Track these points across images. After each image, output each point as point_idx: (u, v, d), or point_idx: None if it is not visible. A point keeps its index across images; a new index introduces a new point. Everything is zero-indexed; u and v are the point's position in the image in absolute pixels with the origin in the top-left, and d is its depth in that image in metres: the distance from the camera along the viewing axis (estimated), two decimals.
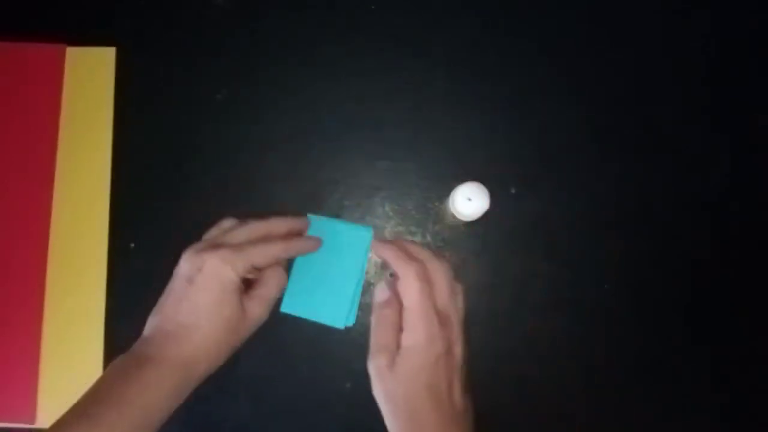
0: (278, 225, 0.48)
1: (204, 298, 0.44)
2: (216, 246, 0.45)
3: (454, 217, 0.51)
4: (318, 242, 0.49)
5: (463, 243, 0.54)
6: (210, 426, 0.51)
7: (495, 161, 0.55)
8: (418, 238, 0.55)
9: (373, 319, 0.47)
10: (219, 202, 0.54)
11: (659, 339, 0.54)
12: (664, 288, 0.54)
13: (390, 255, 0.46)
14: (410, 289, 0.44)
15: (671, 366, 0.54)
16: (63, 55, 0.55)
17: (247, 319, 0.45)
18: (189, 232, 0.53)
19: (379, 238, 0.49)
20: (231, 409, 0.51)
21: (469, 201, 0.49)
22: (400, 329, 0.45)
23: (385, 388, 0.44)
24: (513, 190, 0.55)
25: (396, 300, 0.46)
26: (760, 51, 0.58)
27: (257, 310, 0.46)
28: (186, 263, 0.45)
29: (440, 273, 0.46)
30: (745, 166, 0.56)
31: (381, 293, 0.48)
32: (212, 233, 0.48)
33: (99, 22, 0.56)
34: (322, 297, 0.50)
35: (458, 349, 0.45)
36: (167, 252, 0.53)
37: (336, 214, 0.54)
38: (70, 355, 0.52)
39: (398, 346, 0.44)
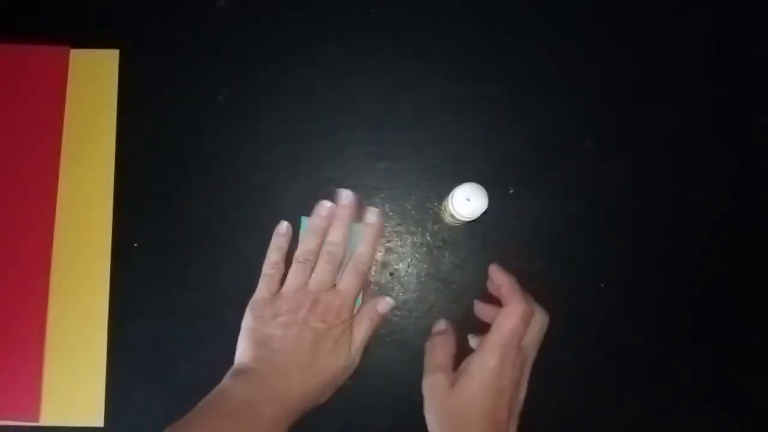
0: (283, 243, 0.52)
1: (321, 354, 0.47)
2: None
3: (453, 217, 0.51)
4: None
5: (462, 243, 0.55)
6: None
7: (494, 162, 0.55)
8: (417, 238, 0.55)
9: (429, 343, 0.49)
10: (220, 202, 0.54)
11: (658, 339, 0.54)
12: (663, 288, 0.54)
13: (507, 283, 0.47)
14: (508, 321, 0.45)
15: (670, 366, 0.54)
16: (67, 57, 0.56)
17: (345, 370, 0.48)
18: (191, 232, 0.54)
19: (497, 267, 0.50)
20: None
21: (468, 201, 0.49)
22: (454, 356, 0.47)
23: (442, 405, 0.45)
24: (512, 191, 0.55)
25: (452, 333, 0.49)
26: (760, 51, 0.58)
27: (355, 360, 0.49)
28: (296, 302, 0.48)
29: (539, 322, 0.47)
30: (745, 166, 0.56)
31: (439, 324, 0.51)
32: (301, 253, 0.50)
33: (100, 23, 0.57)
34: None
35: (522, 395, 0.46)
36: (170, 251, 0.54)
37: None
38: (74, 354, 0.52)
39: (460, 370, 0.46)
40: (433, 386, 0.45)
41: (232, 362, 0.49)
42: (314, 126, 0.56)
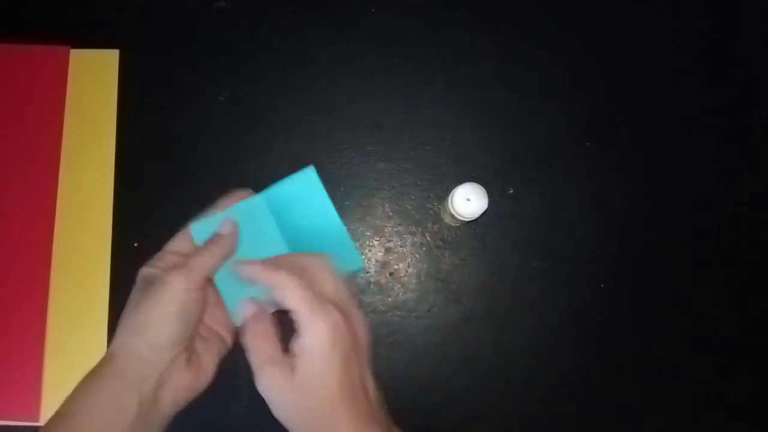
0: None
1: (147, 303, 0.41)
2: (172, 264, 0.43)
3: (453, 217, 0.51)
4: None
5: (461, 243, 0.55)
6: (210, 426, 0.51)
7: (494, 162, 0.55)
8: (417, 238, 0.55)
9: (247, 338, 0.41)
10: None
11: (657, 339, 0.54)
12: (663, 288, 0.54)
13: (253, 270, 0.41)
14: (290, 290, 0.39)
15: (670, 365, 0.54)
16: (67, 57, 0.56)
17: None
18: None
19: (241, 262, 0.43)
20: (231, 409, 0.51)
21: (467, 201, 0.49)
22: (279, 341, 0.41)
23: (290, 401, 0.39)
24: (511, 191, 0.55)
25: (265, 312, 0.42)
26: (760, 51, 0.58)
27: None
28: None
29: (314, 263, 0.42)
30: (745, 166, 0.56)
31: (245, 309, 0.42)
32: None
33: (100, 23, 0.57)
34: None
35: (363, 334, 0.41)
36: None
37: None
38: (74, 353, 0.52)
39: (291, 354, 0.40)
40: (271, 384, 0.39)
41: (229, 359, 0.49)
42: (314, 126, 0.56)
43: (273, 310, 0.44)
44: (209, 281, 0.43)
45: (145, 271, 0.43)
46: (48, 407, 0.51)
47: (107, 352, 0.41)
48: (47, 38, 0.56)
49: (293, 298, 0.39)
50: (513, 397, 0.53)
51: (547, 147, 0.56)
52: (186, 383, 0.42)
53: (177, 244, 0.45)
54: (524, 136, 0.56)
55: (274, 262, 0.42)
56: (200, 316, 0.42)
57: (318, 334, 0.39)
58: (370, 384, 0.41)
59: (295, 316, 0.39)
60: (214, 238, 0.44)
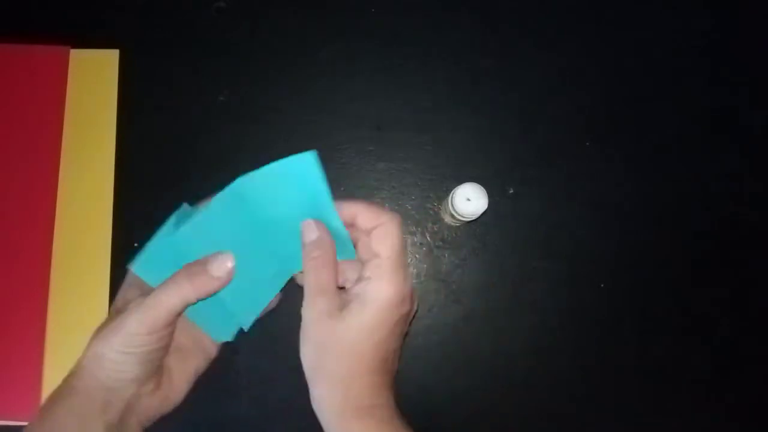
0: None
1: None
2: None
3: (453, 217, 0.51)
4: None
5: (461, 243, 0.55)
6: (210, 426, 0.51)
7: (494, 162, 0.55)
8: (417, 238, 0.55)
9: (307, 262, 0.39)
10: None
11: (657, 339, 0.54)
12: (663, 288, 0.54)
13: (362, 207, 0.40)
14: (394, 238, 0.38)
15: (670, 365, 0.54)
16: (67, 57, 0.56)
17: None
18: None
19: (341, 201, 0.41)
20: (231, 409, 0.52)
21: (467, 201, 0.49)
22: (336, 272, 0.40)
23: (326, 334, 0.38)
24: (511, 191, 0.55)
25: (328, 240, 0.40)
26: (759, 50, 0.58)
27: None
28: None
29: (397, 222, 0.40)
30: (745, 166, 0.56)
31: (310, 232, 0.40)
32: None
33: (100, 23, 0.57)
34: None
35: (411, 316, 0.41)
36: None
37: None
38: (74, 353, 0.51)
39: (349, 293, 0.39)
40: (316, 312, 0.38)
41: (230, 360, 0.49)
42: (314, 126, 0.56)
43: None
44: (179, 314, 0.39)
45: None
46: None
47: (79, 363, 0.39)
48: (47, 38, 0.56)
49: (393, 243, 0.38)
50: (513, 397, 0.53)
51: (547, 147, 0.56)
52: (154, 407, 0.40)
53: None
54: (524, 136, 0.56)
55: (375, 206, 0.40)
56: (166, 350, 0.40)
57: (388, 289, 0.38)
58: (396, 360, 0.41)
59: (375, 262, 0.38)
60: (193, 272, 0.38)
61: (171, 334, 0.40)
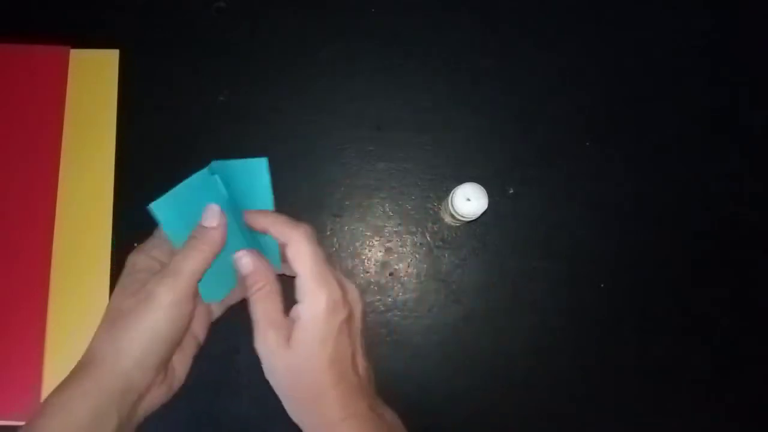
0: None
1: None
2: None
3: (453, 217, 0.51)
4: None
5: (461, 243, 0.55)
6: (210, 425, 0.51)
7: (493, 162, 0.55)
8: (417, 238, 0.55)
9: (252, 294, 0.40)
10: None
11: (657, 339, 0.54)
12: (663, 288, 0.54)
13: (270, 222, 0.41)
14: (304, 254, 0.39)
15: (669, 365, 0.54)
16: (67, 57, 0.56)
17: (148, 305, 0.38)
18: None
19: (251, 211, 0.42)
20: (231, 408, 0.51)
21: (467, 201, 0.49)
22: (281, 300, 0.40)
23: (283, 366, 0.39)
24: (511, 191, 0.55)
25: (266, 269, 0.41)
26: (759, 50, 0.58)
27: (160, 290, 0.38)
28: None
29: (311, 233, 0.41)
30: (745, 166, 0.56)
31: (246, 265, 0.41)
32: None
33: (100, 23, 0.57)
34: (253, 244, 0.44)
35: (358, 312, 0.41)
36: None
37: (335, 213, 0.54)
38: (74, 352, 0.51)
39: (291, 318, 0.39)
40: (265, 346, 0.39)
41: (230, 359, 0.49)
42: (314, 126, 0.56)
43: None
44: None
45: (137, 260, 0.40)
46: None
47: (91, 352, 0.39)
48: (47, 38, 0.56)
49: (305, 260, 0.39)
50: (513, 397, 0.53)
51: (547, 147, 0.56)
52: (160, 397, 0.41)
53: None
54: (524, 136, 0.56)
55: (286, 220, 0.41)
56: (188, 328, 0.41)
57: (317, 304, 0.38)
58: (360, 360, 0.41)
59: (299, 281, 0.39)
60: (200, 233, 0.40)
61: (193, 310, 0.40)
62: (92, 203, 0.54)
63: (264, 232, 0.41)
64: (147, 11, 0.57)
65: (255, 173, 0.43)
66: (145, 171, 0.55)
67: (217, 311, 0.46)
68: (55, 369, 0.52)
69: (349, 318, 0.40)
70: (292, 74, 0.56)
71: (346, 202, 0.55)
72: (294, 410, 0.40)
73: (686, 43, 0.58)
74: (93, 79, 0.56)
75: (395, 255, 0.55)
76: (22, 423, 0.51)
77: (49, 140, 0.55)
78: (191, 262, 0.39)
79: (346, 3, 0.57)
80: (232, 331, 0.51)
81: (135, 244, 0.53)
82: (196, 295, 0.40)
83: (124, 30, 0.56)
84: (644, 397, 0.53)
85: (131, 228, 0.54)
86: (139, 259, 0.41)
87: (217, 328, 0.52)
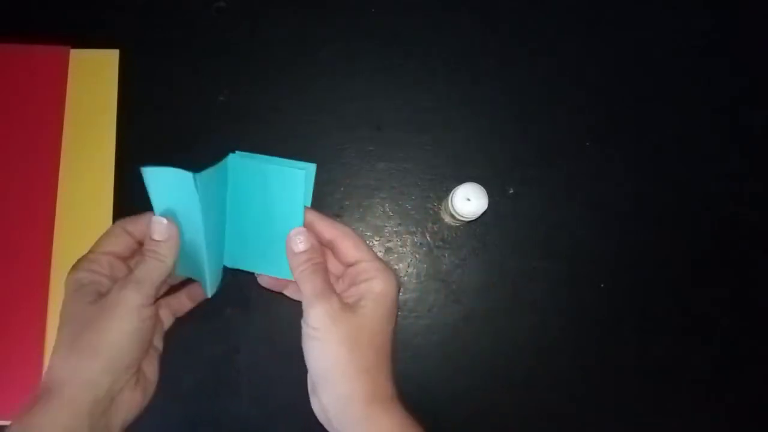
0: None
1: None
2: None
3: (453, 217, 0.51)
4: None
5: (461, 243, 0.55)
6: (210, 425, 0.51)
7: (493, 162, 0.55)
8: (417, 238, 0.55)
9: (301, 268, 0.41)
10: None
11: (657, 339, 0.54)
12: (663, 288, 0.54)
13: (316, 217, 0.42)
14: (360, 243, 0.41)
15: (669, 365, 0.54)
16: (67, 57, 0.56)
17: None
18: None
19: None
20: (231, 408, 0.51)
21: (467, 201, 0.49)
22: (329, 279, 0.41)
23: (345, 331, 0.38)
24: (511, 191, 0.55)
25: (316, 241, 0.42)
26: (759, 50, 0.58)
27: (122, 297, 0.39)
28: None
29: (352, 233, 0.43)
30: (745, 166, 0.56)
31: (300, 242, 0.41)
32: None
33: (101, 24, 0.57)
34: (264, 248, 0.44)
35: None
36: None
37: (335, 213, 0.54)
38: None
39: (353, 295, 0.40)
40: (332, 311, 0.39)
41: (232, 361, 0.49)
42: (314, 126, 0.56)
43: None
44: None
45: (80, 276, 0.40)
46: None
47: (50, 378, 0.38)
48: (47, 38, 0.56)
49: (364, 248, 0.41)
50: (513, 397, 0.53)
51: (547, 147, 0.56)
52: (136, 402, 0.41)
53: (110, 243, 0.42)
54: (524, 136, 0.56)
55: (328, 218, 0.43)
56: (154, 330, 0.41)
57: (390, 285, 0.40)
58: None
59: (363, 266, 0.41)
60: (154, 245, 0.41)
61: (157, 313, 0.41)
62: (92, 203, 0.54)
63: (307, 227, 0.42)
64: (147, 11, 0.57)
65: (290, 181, 0.42)
66: None
67: (167, 322, 0.46)
68: None
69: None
70: (292, 74, 0.56)
71: (346, 202, 0.55)
72: (339, 383, 0.39)
73: (686, 43, 0.58)
74: (93, 79, 0.56)
75: (395, 255, 0.55)
76: (10, 423, 0.51)
77: (49, 140, 0.55)
78: (153, 272, 0.40)
79: (346, 3, 0.57)
80: (232, 331, 0.51)
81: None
82: (154, 302, 0.40)
83: (124, 30, 0.56)
84: (644, 397, 0.53)
85: None
86: (81, 275, 0.40)
87: (217, 328, 0.52)
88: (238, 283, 0.51)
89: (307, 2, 0.57)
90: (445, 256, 0.55)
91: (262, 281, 0.46)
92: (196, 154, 0.55)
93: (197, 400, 0.47)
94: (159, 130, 0.55)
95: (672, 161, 0.56)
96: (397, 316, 0.42)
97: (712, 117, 0.57)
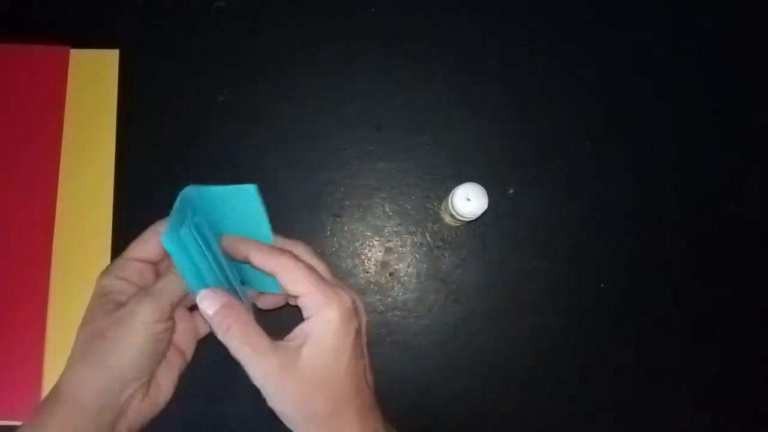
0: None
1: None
2: None
3: (453, 217, 0.51)
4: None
5: (461, 243, 0.55)
6: (210, 425, 0.51)
7: (494, 162, 0.55)
8: (417, 238, 0.55)
9: (220, 332, 0.38)
10: None
11: (657, 338, 0.54)
12: (663, 288, 0.54)
13: (252, 249, 0.39)
14: (297, 275, 0.37)
15: (669, 365, 0.54)
16: (67, 57, 0.56)
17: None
18: None
19: (226, 235, 0.42)
20: (231, 408, 0.52)
21: (467, 201, 0.49)
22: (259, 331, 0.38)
23: (293, 386, 0.36)
24: (511, 191, 0.55)
25: (233, 303, 0.39)
26: (759, 50, 0.58)
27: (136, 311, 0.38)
28: None
29: (302, 250, 0.41)
30: (745, 166, 0.56)
31: (207, 306, 0.38)
32: None
33: (101, 24, 0.57)
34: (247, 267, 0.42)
35: (364, 325, 0.40)
36: None
37: (335, 213, 0.54)
38: None
39: (292, 340, 0.37)
40: (269, 374, 0.36)
41: (230, 359, 0.49)
42: (314, 126, 0.56)
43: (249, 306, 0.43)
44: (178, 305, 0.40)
45: (106, 283, 0.40)
46: None
47: (62, 382, 0.39)
48: (47, 38, 0.56)
49: (301, 280, 0.37)
50: (513, 397, 0.53)
51: (547, 147, 0.56)
52: (144, 413, 0.40)
53: (141, 249, 0.42)
54: (524, 136, 0.56)
55: (266, 247, 0.40)
56: (168, 345, 0.41)
57: (331, 318, 0.37)
58: (369, 373, 0.40)
59: (303, 300, 0.38)
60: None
61: (173, 327, 0.40)
62: (92, 203, 0.54)
63: (244, 262, 0.40)
64: (147, 11, 0.57)
65: (245, 200, 0.41)
66: (145, 171, 0.55)
67: (203, 329, 0.45)
68: (55, 369, 0.52)
69: (359, 330, 0.39)
70: (292, 74, 0.56)
71: (346, 202, 0.55)
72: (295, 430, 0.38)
73: (686, 43, 0.58)
74: (93, 79, 0.56)
75: (395, 255, 0.55)
76: (22, 423, 0.51)
77: (49, 140, 0.55)
78: (172, 286, 0.39)
79: (346, 3, 0.57)
80: None
81: None
82: (173, 316, 0.40)
83: (124, 30, 0.56)
84: (644, 397, 0.53)
85: (131, 228, 0.54)
86: (107, 282, 0.40)
87: None
88: None
89: (307, 2, 0.57)
90: (445, 256, 0.55)
91: (265, 304, 0.45)
92: (196, 154, 0.55)
93: (197, 402, 0.47)
94: (159, 130, 0.55)
95: (672, 161, 0.56)
96: (357, 338, 0.38)
97: (712, 117, 0.57)
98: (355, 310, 0.39)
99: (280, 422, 0.52)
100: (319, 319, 0.37)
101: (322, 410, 0.37)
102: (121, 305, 0.39)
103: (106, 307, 0.39)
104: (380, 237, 0.55)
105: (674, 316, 0.54)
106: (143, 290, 0.39)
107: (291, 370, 0.36)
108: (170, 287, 0.39)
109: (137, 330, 0.38)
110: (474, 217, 0.49)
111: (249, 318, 0.38)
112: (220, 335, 0.38)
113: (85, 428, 0.37)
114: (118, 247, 0.54)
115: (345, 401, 0.37)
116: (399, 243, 0.55)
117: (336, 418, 0.37)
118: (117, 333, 0.38)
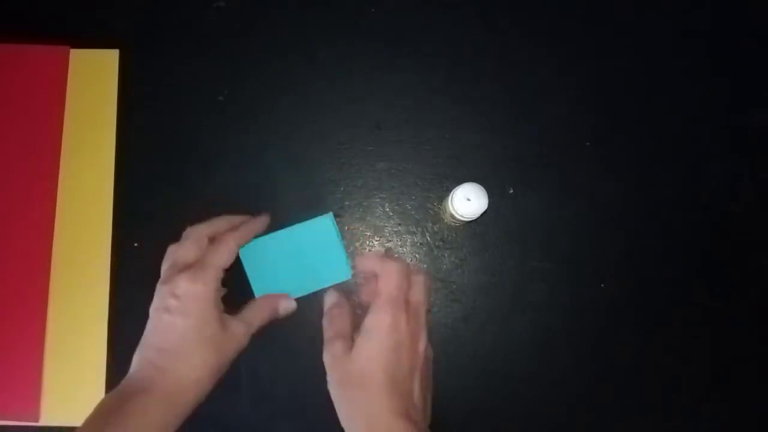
0: (221, 224, 0.49)
1: (184, 322, 0.45)
2: (179, 270, 0.46)
3: (453, 217, 0.51)
4: (266, 217, 0.51)
5: (461, 243, 0.55)
6: (211, 425, 0.51)
7: (494, 162, 0.55)
8: (417, 238, 0.55)
9: (325, 318, 0.47)
10: (221, 202, 0.54)
11: (657, 338, 0.54)
12: (663, 287, 0.54)
13: (373, 258, 0.47)
14: (389, 280, 0.44)
15: (670, 365, 0.54)
16: (67, 57, 0.56)
17: (230, 337, 0.46)
18: None
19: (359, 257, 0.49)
20: (231, 408, 0.52)
21: (468, 201, 0.49)
22: (354, 324, 0.46)
23: (343, 370, 0.44)
24: (511, 191, 0.55)
25: (347, 303, 0.48)
26: (759, 50, 0.58)
27: (240, 329, 0.47)
28: (158, 296, 0.46)
29: (421, 278, 0.46)
30: (745, 166, 0.56)
31: (330, 298, 0.49)
32: (167, 263, 0.48)
33: (101, 24, 0.57)
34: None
35: (422, 347, 0.44)
36: None
37: (335, 213, 0.54)
38: (74, 353, 0.52)
39: (356, 332, 0.45)
40: (332, 355, 0.44)
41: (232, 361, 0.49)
42: (314, 126, 0.56)
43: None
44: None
45: (217, 287, 0.47)
46: (48, 407, 0.51)
47: (154, 366, 0.44)
48: (47, 38, 0.56)
49: (386, 287, 0.44)
50: (513, 397, 0.53)
51: (547, 147, 0.56)
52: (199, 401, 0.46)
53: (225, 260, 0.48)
54: (524, 136, 0.56)
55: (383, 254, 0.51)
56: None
57: (380, 320, 0.43)
58: (417, 387, 0.44)
59: (375, 299, 0.44)
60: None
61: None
62: (92, 203, 0.54)
63: (370, 270, 0.47)
64: (147, 11, 0.57)
65: (322, 230, 0.51)
66: (145, 171, 0.55)
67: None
68: (55, 369, 0.52)
69: (412, 345, 0.44)
70: (292, 74, 0.56)
71: (346, 202, 0.55)
72: (342, 420, 0.43)
73: (686, 43, 0.58)
74: (93, 79, 0.56)
75: (395, 255, 0.55)
76: (22, 423, 0.51)
77: (49, 140, 0.55)
78: (261, 316, 0.49)
79: (346, 3, 0.57)
80: None
81: (135, 244, 0.54)
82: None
83: (124, 30, 0.56)
84: (644, 396, 0.53)
85: (131, 228, 0.54)
86: (217, 286, 0.47)
87: None
88: (238, 284, 0.51)
89: (307, 2, 0.57)
90: (445, 256, 0.55)
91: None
92: (196, 154, 0.55)
93: None
94: (159, 130, 0.55)
95: (672, 161, 0.56)
96: (406, 351, 0.43)
97: (712, 117, 0.57)
98: (408, 330, 0.44)
99: (280, 422, 0.52)
100: (372, 318, 0.44)
101: (356, 401, 0.43)
102: (221, 311, 0.48)
103: (214, 313, 0.47)
104: (380, 237, 0.55)
105: (674, 315, 0.54)
106: (239, 315, 0.49)
107: (345, 354, 0.44)
108: (258, 316, 0.49)
109: (233, 344, 0.47)
110: (474, 217, 0.49)
111: (349, 313, 0.48)
112: (325, 318, 0.48)
113: (173, 420, 0.44)
114: (119, 246, 0.54)
115: (379, 395, 0.42)
116: (399, 243, 0.55)
117: (368, 409, 0.42)
118: (220, 342, 0.46)
